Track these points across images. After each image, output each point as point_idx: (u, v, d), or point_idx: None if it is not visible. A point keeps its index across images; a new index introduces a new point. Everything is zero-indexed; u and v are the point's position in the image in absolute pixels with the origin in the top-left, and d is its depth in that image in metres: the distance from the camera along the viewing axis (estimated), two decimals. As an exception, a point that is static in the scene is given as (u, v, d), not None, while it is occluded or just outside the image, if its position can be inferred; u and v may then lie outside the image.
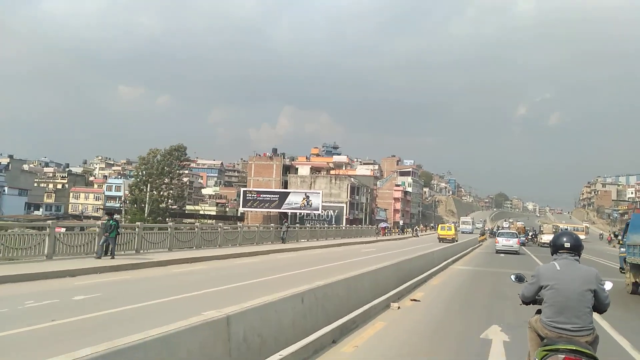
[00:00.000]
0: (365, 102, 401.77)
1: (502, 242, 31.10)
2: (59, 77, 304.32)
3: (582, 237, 14.24)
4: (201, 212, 75.72)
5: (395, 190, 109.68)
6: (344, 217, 67.35)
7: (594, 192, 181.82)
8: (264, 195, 66.30)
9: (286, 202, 65.78)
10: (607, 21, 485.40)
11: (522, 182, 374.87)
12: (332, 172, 73.49)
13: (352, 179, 71.22)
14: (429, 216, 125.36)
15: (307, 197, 65.25)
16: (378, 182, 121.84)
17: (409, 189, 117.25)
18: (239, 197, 67.90)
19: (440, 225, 56.32)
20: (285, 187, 69.85)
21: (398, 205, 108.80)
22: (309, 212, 65.78)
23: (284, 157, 73.85)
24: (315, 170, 71.97)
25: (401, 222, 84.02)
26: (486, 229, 76.40)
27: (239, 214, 71.92)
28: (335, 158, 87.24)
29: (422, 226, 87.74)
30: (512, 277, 4.48)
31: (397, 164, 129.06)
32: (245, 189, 69.47)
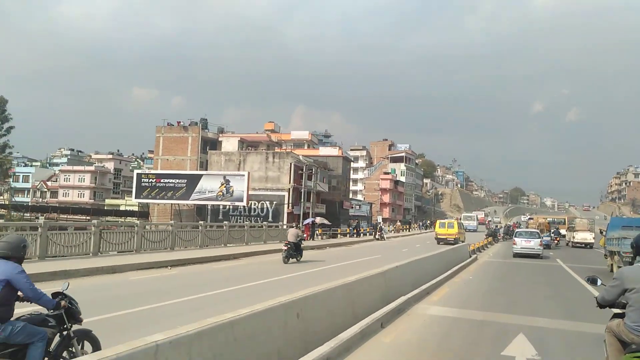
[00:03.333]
0: (378, 101, 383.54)
1: (521, 243, 24.16)
2: (72, 77, 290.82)
3: None
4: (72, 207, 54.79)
5: (382, 179, 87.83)
6: (285, 211, 45.88)
7: (626, 184, 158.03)
8: (166, 181, 45.19)
9: (197, 189, 44.61)
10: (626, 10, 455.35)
11: (539, 177, 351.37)
12: (277, 150, 51.76)
13: (301, 157, 49.67)
14: (429, 212, 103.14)
15: (227, 181, 43.96)
16: (366, 171, 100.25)
17: (402, 179, 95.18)
18: (133, 184, 46.75)
19: (439, 222, 37.45)
20: (206, 169, 48.68)
21: (386, 198, 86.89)
22: (227, 203, 44.49)
23: (205, 129, 52.64)
24: (249, 146, 50.67)
25: (379, 219, 62.08)
26: (498, 227, 53.94)
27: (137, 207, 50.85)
28: (294, 134, 65.81)
29: (414, 224, 65.71)
30: (585, 278, 4.73)
31: (390, 149, 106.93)
32: (139, 171, 48.42)
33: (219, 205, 46.09)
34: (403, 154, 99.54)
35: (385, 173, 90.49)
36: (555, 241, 37.29)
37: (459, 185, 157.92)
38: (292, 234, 17.62)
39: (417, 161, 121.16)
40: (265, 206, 47.17)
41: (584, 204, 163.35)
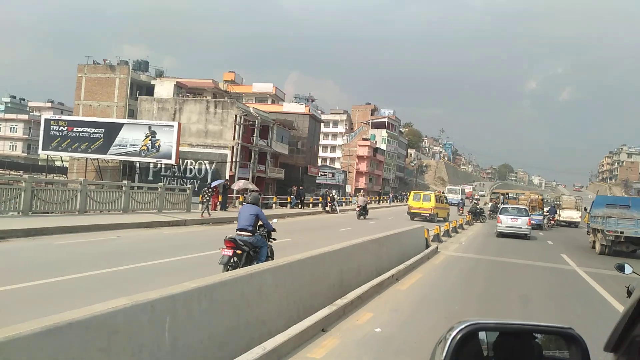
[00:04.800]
0: (373, 73, 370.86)
1: (506, 221, 21.13)
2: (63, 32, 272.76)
3: None
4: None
5: (359, 145, 79.77)
6: (227, 173, 37.77)
7: (618, 163, 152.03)
8: (79, 130, 36.63)
9: (116, 141, 36.25)
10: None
11: (529, 155, 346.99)
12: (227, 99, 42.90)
13: (252, 109, 41.09)
14: (411, 184, 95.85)
15: (153, 133, 35.57)
16: (345, 137, 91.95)
17: (383, 146, 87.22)
18: (40, 132, 37.94)
19: (412, 193, 31.45)
20: (134, 117, 40.08)
21: (363, 166, 79.11)
22: (151, 160, 36.22)
23: (141, 70, 43.56)
24: (189, 93, 41.88)
25: (349, 189, 54.28)
26: (482, 204, 46.39)
27: (49, 161, 42.29)
28: (256, 86, 56.84)
29: (388, 195, 58.03)
30: (615, 266, 4.53)
31: (373, 114, 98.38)
32: (47, 116, 39.67)
33: (149, 162, 37.79)
34: (385, 120, 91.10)
35: (364, 139, 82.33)
36: (552, 221, 31.12)
37: (445, 158, 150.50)
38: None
39: (402, 130, 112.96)
40: (204, 166, 39.00)
41: (574, 184, 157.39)
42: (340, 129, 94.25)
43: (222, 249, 7.27)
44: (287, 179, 49.14)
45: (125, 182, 17.66)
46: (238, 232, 7.57)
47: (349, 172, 78.54)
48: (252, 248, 7.54)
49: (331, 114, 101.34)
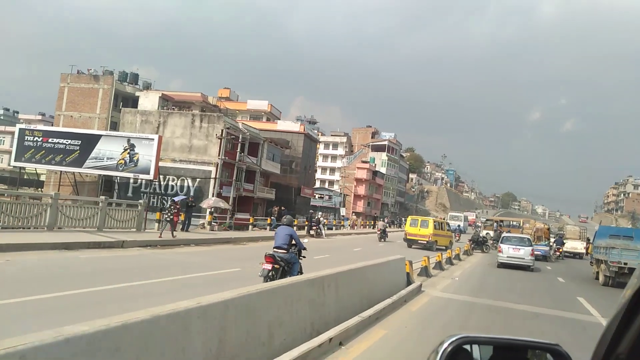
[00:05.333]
0: (376, 99, 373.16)
1: (508, 251, 19.75)
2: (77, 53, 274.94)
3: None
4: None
5: (358, 168, 77.45)
6: (210, 191, 35.39)
7: (624, 195, 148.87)
8: (55, 140, 34.49)
9: (93, 153, 34.02)
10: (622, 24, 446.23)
11: (532, 185, 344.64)
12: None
13: (240, 124, 38.90)
14: (411, 209, 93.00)
15: (131, 146, 33.33)
16: (345, 159, 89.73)
17: (382, 170, 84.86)
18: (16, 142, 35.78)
19: (410, 218, 29.34)
20: (116, 129, 37.99)
21: (362, 190, 76.59)
22: (128, 175, 33.87)
23: (125, 82, 41.66)
24: (176, 105, 39.80)
25: (343, 212, 51.51)
26: (484, 232, 43.42)
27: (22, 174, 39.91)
28: (250, 103, 54.88)
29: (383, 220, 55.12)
30: None
31: (373, 137, 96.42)
32: (22, 126, 37.58)
33: (128, 178, 35.41)
34: (386, 143, 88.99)
35: (364, 162, 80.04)
36: (557, 252, 29.28)
37: (448, 184, 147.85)
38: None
39: (403, 154, 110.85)
40: (186, 183, 36.59)
41: (580, 215, 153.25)
42: (340, 151, 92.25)
43: (262, 263, 8.41)
44: (279, 199, 46.61)
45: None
46: (275, 250, 8.71)
47: (347, 195, 76.01)
48: (286, 263, 8.70)
49: (331, 135, 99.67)
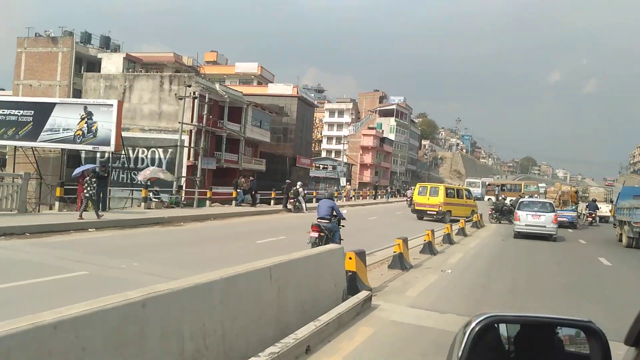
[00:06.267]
0: (393, 67, 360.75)
1: (526, 218, 17.04)
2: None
3: None
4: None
5: (364, 135, 72.42)
6: (184, 163, 31.24)
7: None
8: (5, 112, 30.44)
9: (48, 125, 29.89)
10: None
11: (553, 148, 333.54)
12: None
13: (218, 85, 34.16)
14: (423, 177, 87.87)
15: (89, 114, 29.07)
16: (351, 127, 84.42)
17: (391, 136, 79.52)
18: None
19: (418, 186, 24.97)
20: (80, 97, 33.74)
21: (368, 158, 71.73)
22: (86, 147, 29.79)
23: (90, 44, 37.12)
24: (145, 67, 35.17)
25: (343, 182, 46.95)
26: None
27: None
28: (239, 66, 49.89)
29: (388, 188, 50.40)
30: None
31: (381, 102, 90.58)
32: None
33: (95, 152, 31.34)
34: (394, 107, 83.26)
35: (370, 128, 74.84)
36: (590, 218, 26.61)
37: (463, 150, 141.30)
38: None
39: (415, 119, 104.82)
40: (157, 155, 32.44)
41: (606, 177, 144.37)
42: (346, 118, 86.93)
43: (309, 232, 9.32)
44: (272, 171, 42.32)
45: None
46: (319, 220, 9.53)
47: (353, 164, 71.27)
48: (329, 232, 9.53)
49: (337, 102, 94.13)
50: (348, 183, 37.68)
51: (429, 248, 10.73)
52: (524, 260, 11.44)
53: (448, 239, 13.17)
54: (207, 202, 20.27)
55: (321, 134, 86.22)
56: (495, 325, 1.54)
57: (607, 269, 10.84)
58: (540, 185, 75.42)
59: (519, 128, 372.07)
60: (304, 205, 22.29)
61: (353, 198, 35.67)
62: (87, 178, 13.94)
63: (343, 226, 10.14)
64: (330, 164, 66.21)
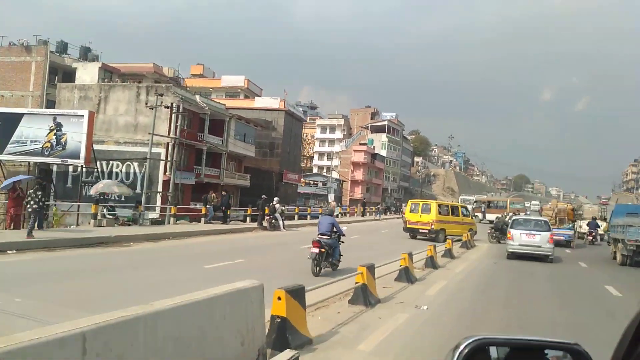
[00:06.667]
0: (384, 83, 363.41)
1: (520, 238, 15.82)
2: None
3: None
4: None
5: (355, 151, 71.17)
6: (160, 178, 29.64)
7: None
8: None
9: (15, 136, 28.30)
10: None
11: (546, 166, 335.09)
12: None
13: (198, 98, 32.75)
14: (416, 194, 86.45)
15: (58, 125, 27.54)
16: (343, 143, 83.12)
17: (383, 152, 78.29)
18: None
19: (410, 203, 23.84)
20: (53, 107, 32.22)
21: (359, 174, 70.31)
22: (55, 161, 28.18)
23: (66, 54, 35.75)
24: (122, 78, 33.73)
25: (331, 198, 45.34)
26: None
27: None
28: (225, 79, 48.62)
29: (370, 208, 48.80)
30: None
31: (373, 118, 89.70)
32: None
33: (67, 166, 29.63)
34: (386, 123, 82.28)
35: (362, 144, 73.62)
36: (590, 237, 25.15)
37: (457, 168, 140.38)
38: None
39: (407, 136, 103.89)
40: (132, 169, 30.77)
41: (600, 196, 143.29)
42: (338, 134, 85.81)
43: (310, 247, 9.64)
44: (257, 187, 40.64)
45: None
46: (320, 236, 9.90)
47: (344, 180, 69.76)
48: (329, 248, 9.95)
49: (328, 118, 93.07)
50: (332, 201, 36.03)
51: (405, 275, 9.11)
52: (518, 291, 9.82)
53: (431, 263, 11.56)
54: (171, 219, 18.55)
55: (312, 150, 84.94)
56: (485, 347, 1.55)
57: (618, 301, 9.20)
58: (533, 202, 74.28)
59: (512, 146, 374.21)
60: (281, 222, 20.62)
61: (339, 215, 33.99)
62: (31, 191, 12.40)
63: (343, 242, 10.64)
64: (321, 180, 64.64)
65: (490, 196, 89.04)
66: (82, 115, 27.19)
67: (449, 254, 14.27)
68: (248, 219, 22.82)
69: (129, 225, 16.25)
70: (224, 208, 19.84)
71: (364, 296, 6.77)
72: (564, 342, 1.53)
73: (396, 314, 6.52)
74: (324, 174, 73.27)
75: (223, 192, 21.49)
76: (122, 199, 22.80)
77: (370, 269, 7.12)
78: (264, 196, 20.90)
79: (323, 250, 9.62)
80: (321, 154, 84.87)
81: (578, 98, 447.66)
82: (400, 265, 9.18)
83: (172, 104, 29.58)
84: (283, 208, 22.38)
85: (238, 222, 21.61)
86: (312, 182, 63.12)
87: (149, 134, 24.37)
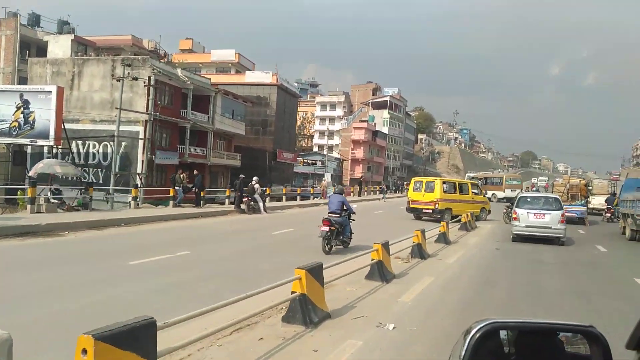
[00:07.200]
0: (391, 60, 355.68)
1: (528, 218, 13.93)
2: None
3: None
4: None
5: (355, 128, 68.72)
6: (139, 158, 27.67)
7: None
8: None
9: (-21, 115, 26.31)
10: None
11: (554, 142, 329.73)
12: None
13: (179, 71, 30.46)
14: (420, 172, 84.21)
15: (25, 103, 25.68)
16: (343, 121, 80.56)
17: (384, 129, 75.72)
18: None
19: (413, 181, 21.63)
20: (26, 84, 30.10)
21: (360, 153, 68.01)
22: (23, 141, 26.27)
23: (35, 25, 33.42)
24: (97, 51, 31.42)
25: (328, 177, 43.31)
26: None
27: None
28: (215, 53, 46.10)
29: (366, 187, 46.68)
30: None
31: (375, 94, 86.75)
32: None
33: (41, 147, 27.65)
34: (387, 99, 79.43)
35: (362, 121, 71.06)
36: (608, 213, 23.57)
37: (462, 145, 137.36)
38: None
39: (411, 113, 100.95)
40: (109, 149, 28.75)
41: (611, 172, 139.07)
42: (338, 112, 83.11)
43: (320, 226, 9.72)
44: (248, 166, 38.62)
45: None
46: (330, 214, 10.15)
47: (344, 159, 67.54)
48: (340, 226, 10.19)
49: (329, 95, 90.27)
50: (325, 180, 33.98)
51: (378, 272, 7.05)
52: (525, 289, 7.73)
53: (419, 252, 9.50)
54: (132, 203, 16.62)
55: (313, 129, 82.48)
56: (496, 331, 1.54)
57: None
58: (540, 178, 71.79)
59: (520, 121, 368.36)
60: (261, 205, 18.62)
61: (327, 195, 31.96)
62: None
63: (353, 220, 10.98)
64: (319, 159, 62.47)
65: (502, 172, 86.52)
66: (50, 91, 25.23)
67: (443, 238, 12.21)
68: (227, 200, 20.85)
69: (78, 210, 14.39)
70: (196, 189, 17.86)
71: (303, 314, 4.77)
72: (578, 325, 1.51)
73: (344, 341, 4.49)
74: (324, 153, 71.07)
75: (195, 172, 19.49)
76: (74, 179, 20.80)
77: (312, 271, 5.11)
78: (241, 175, 18.85)
79: (333, 228, 9.93)
80: (321, 133, 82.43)
81: (587, 72, 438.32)
82: (372, 259, 7.11)
83: (149, 77, 27.42)
84: (263, 189, 20.33)
85: (215, 205, 19.68)
86: (310, 162, 61.02)
87: (117, 108, 22.26)
